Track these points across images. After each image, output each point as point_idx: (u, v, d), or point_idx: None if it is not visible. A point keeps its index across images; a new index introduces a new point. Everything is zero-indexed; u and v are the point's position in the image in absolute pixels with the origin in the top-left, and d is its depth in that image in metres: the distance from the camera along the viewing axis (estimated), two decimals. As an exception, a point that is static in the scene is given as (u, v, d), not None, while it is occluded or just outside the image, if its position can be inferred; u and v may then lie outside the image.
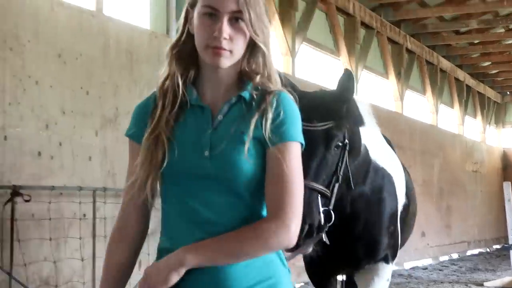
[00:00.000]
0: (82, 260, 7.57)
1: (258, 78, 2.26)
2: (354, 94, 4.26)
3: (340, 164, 3.95)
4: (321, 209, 3.73)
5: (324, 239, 3.84)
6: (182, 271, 2.11)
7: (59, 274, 7.28)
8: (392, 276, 13.14)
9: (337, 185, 3.93)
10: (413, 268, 15.21)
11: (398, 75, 16.32)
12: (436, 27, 16.93)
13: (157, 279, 2.11)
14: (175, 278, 2.11)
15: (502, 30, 17.75)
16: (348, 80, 4.09)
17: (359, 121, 4.34)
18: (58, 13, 7.35)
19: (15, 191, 6.20)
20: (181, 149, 2.19)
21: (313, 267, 4.73)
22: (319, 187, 3.76)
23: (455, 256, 18.88)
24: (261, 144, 2.18)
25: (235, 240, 2.14)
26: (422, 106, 18.49)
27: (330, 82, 13.18)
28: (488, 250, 21.52)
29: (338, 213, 3.99)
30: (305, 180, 2.74)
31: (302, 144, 2.26)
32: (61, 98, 7.27)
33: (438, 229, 18.10)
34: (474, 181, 21.63)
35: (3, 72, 6.51)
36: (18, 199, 6.28)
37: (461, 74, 20.63)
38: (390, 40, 16.03)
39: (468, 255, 19.56)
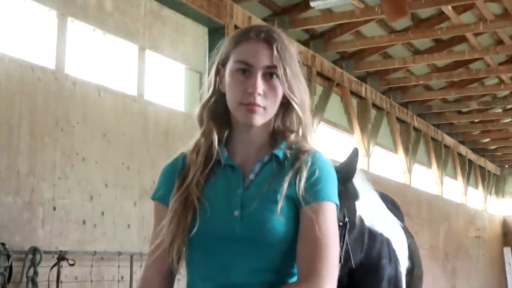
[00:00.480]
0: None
1: (292, 136, 1.98)
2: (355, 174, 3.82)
3: (342, 244, 3.33)
4: None
5: None
6: None
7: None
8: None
9: (339, 266, 3.11)
10: (421, 327, 14.82)
11: (406, 150, 16.29)
12: (440, 108, 16.96)
13: None
14: None
15: (500, 110, 17.74)
16: (353, 161, 3.72)
17: (355, 196, 3.82)
18: (104, 99, 7.53)
19: (61, 256, 6.26)
20: (211, 211, 1.88)
21: None
22: None
23: (460, 315, 18.42)
24: (294, 204, 1.87)
25: None
26: (428, 178, 18.37)
27: (344, 157, 13.21)
28: (490, 310, 21.00)
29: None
30: None
31: (337, 206, 1.93)
32: (105, 172, 7.39)
33: (445, 290, 17.77)
34: (477, 246, 21.29)
35: (54, 150, 6.68)
36: (64, 263, 6.32)
37: (463, 150, 20.55)
38: (399, 119, 16.05)
39: (473, 315, 19.06)
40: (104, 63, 8.04)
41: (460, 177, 20.64)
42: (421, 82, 14.85)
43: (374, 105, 14.52)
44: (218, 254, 1.87)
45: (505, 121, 18.67)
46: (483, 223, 22.28)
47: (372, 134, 14.50)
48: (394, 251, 4.01)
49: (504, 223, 24.83)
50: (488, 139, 20.80)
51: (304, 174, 1.87)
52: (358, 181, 3.89)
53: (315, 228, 1.83)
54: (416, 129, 16.90)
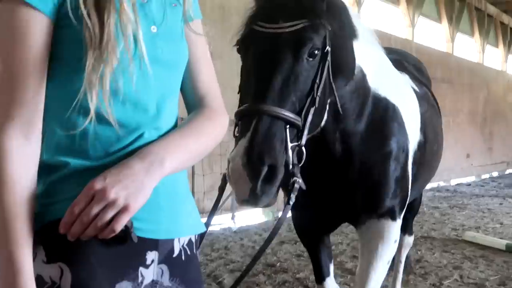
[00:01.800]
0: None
1: None
2: None
3: (318, 81, 2.24)
4: (290, 144, 2.12)
5: (300, 185, 2.15)
6: (159, 180, 1.33)
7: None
8: (439, 190, 13.17)
9: (312, 110, 2.22)
10: (458, 184, 14.99)
11: (450, 20, 15.83)
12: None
13: (134, 189, 1.26)
14: (151, 190, 1.30)
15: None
16: None
17: (350, 31, 2.61)
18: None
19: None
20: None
21: (301, 223, 3.16)
22: (286, 113, 2.11)
23: (495, 174, 18.45)
24: None
25: (199, 135, 1.45)
26: (470, 47, 17.88)
27: (392, 29, 12.91)
28: (525, 169, 20.94)
29: (324, 152, 2.65)
30: (264, 104, 2.07)
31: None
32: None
33: (481, 151, 17.73)
34: (515, 111, 20.96)
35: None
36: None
37: (506, 18, 19.85)
38: (444, -10, 15.46)
39: (507, 174, 19.05)
40: None
41: (501, 46, 20.08)
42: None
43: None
44: (138, 80, 1.36)
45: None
46: (521, 89, 21.80)
47: (417, 4, 14.03)
48: (402, 121, 2.93)
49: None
50: (531, 8, 19.90)
51: None
52: (360, 25, 2.75)
53: (206, 48, 1.58)
54: (460, 0, 16.30)
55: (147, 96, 1.38)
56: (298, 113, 2.18)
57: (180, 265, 1.48)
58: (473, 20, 17.54)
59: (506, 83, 20.25)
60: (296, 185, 2.10)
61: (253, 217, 8.38)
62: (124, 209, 1.23)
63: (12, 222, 1.24)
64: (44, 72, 1.31)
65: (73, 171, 1.33)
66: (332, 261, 3.27)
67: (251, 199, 2.02)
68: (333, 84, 2.35)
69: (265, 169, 1.99)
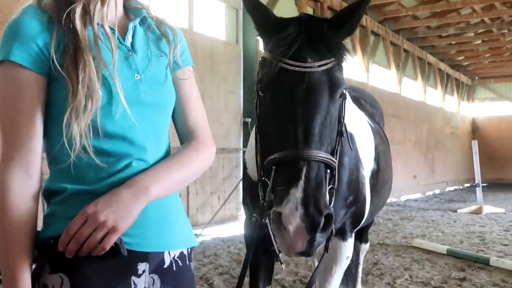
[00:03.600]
0: (180, 195, 7.70)
1: (148, 10, 1.52)
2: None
3: (342, 119, 1.87)
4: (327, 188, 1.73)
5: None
6: (144, 205, 1.29)
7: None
8: (392, 205, 13.16)
9: (339, 149, 1.84)
10: (407, 200, 14.99)
11: (397, 67, 16.09)
12: (424, 33, 16.55)
13: (122, 213, 1.23)
14: (137, 213, 1.28)
15: (472, 34, 17.12)
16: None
17: None
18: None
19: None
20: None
21: (255, 245, 2.32)
22: (328, 157, 1.71)
23: (437, 191, 18.51)
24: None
25: (182, 165, 1.40)
26: (415, 89, 18.08)
27: (351, 74, 13.02)
28: (461, 187, 21.03)
29: None
30: (310, 150, 1.64)
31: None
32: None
33: (425, 173, 17.84)
34: (452, 140, 21.16)
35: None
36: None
37: (442, 66, 20.17)
38: (392, 43, 15.72)
39: (447, 191, 19.14)
40: (158, 2, 7.87)
41: (439, 87, 20.33)
42: (410, 13, 14.44)
43: (372, 32, 14.26)
44: (124, 119, 1.33)
45: (476, 42, 18.07)
46: (456, 123, 22.04)
47: (370, 55, 14.23)
48: (357, 152, 2.58)
49: (473, 122, 24.56)
50: (462, 57, 20.26)
51: (176, 41, 1.50)
52: None
53: (194, 91, 1.54)
54: (405, 51, 16.64)
55: (133, 132, 1.36)
56: (332, 154, 1.78)
57: (171, 275, 1.43)
58: (416, 67, 17.81)
59: (444, 117, 20.49)
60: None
61: (238, 228, 8.30)
62: (112, 230, 1.22)
63: (13, 244, 1.25)
64: (38, 119, 1.31)
65: (71, 194, 1.32)
66: (270, 282, 2.71)
67: (308, 250, 1.60)
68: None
69: (323, 220, 1.59)
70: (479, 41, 17.93)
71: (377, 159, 3.00)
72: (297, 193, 1.56)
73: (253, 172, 2.37)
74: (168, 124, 1.49)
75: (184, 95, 1.51)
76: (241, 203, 2.77)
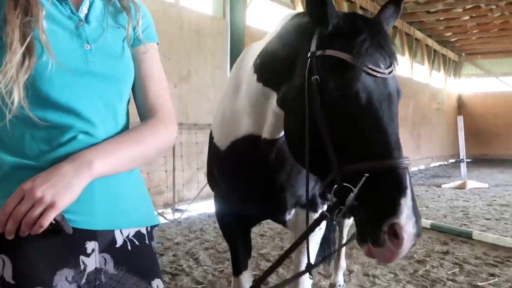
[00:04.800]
0: (166, 171, 7.67)
1: None
2: None
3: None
4: None
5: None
6: (88, 180, 1.22)
7: (150, 181, 7.41)
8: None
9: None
10: (393, 176, 15.09)
11: (385, 42, 15.97)
12: (413, 9, 16.42)
13: (61, 188, 1.16)
14: (80, 189, 1.20)
15: (460, 10, 17.07)
16: None
17: None
18: (148, 5, 7.29)
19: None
20: (57, 45, 1.33)
21: (227, 218, 2.72)
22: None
23: (422, 167, 18.70)
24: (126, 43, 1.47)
25: (135, 143, 1.34)
26: (402, 65, 18.09)
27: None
28: (445, 163, 21.25)
29: (262, 157, 2.25)
30: (403, 159, 1.61)
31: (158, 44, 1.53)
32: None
33: (411, 149, 17.95)
34: (438, 116, 21.28)
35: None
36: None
37: (430, 41, 20.15)
38: (380, 18, 15.60)
39: (432, 167, 19.33)
40: (146, -25, 7.74)
41: (426, 63, 20.36)
42: (398, -12, 14.28)
43: (361, 7, 14.10)
44: (69, 89, 1.29)
45: (464, 18, 18.04)
46: (443, 98, 22.14)
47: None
48: None
49: (459, 98, 24.72)
50: (450, 33, 20.24)
51: (137, 16, 1.47)
52: None
53: (156, 67, 1.49)
54: (393, 26, 16.44)
55: (79, 103, 1.30)
56: None
57: (126, 255, 1.37)
58: (404, 43, 17.77)
59: (430, 93, 20.55)
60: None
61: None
62: (50, 206, 1.14)
63: None
64: None
65: (11, 169, 1.25)
66: (250, 254, 2.83)
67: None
68: None
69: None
70: (467, 17, 17.91)
71: None
72: (408, 202, 1.53)
73: (220, 143, 2.38)
74: (125, 100, 1.43)
75: (144, 71, 1.47)
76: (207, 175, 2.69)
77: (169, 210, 7.80)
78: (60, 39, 1.31)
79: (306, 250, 2.50)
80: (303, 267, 2.58)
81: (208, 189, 8.55)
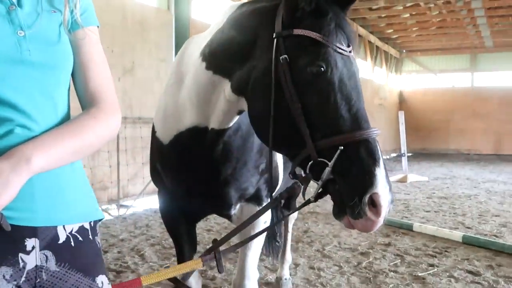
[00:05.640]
0: (110, 166, 7.52)
1: None
2: None
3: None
4: None
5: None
6: (27, 177, 1.16)
7: (94, 177, 7.25)
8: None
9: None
10: (337, 169, 15.35)
11: (329, 38, 16.18)
12: (355, 5, 16.70)
13: (0, 185, 1.10)
14: (18, 186, 1.14)
15: (401, 8, 17.55)
16: None
17: None
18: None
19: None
20: None
21: (172, 213, 2.67)
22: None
23: (365, 161, 19.08)
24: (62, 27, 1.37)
25: (76, 134, 1.27)
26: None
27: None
28: (387, 157, 21.85)
29: (206, 150, 2.22)
30: (372, 128, 1.69)
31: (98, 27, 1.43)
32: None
33: (355, 143, 18.31)
34: (380, 111, 21.78)
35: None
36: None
37: (372, 38, 20.57)
38: (324, 14, 15.81)
39: (374, 160, 19.78)
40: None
41: (369, 59, 20.78)
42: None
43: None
44: (2, 80, 1.22)
45: (404, 16, 18.57)
46: (384, 94, 22.70)
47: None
48: None
49: (400, 94, 25.43)
50: (391, 30, 20.76)
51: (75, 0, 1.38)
52: None
53: (96, 51, 1.41)
54: (337, 22, 16.76)
55: (14, 94, 1.22)
56: None
57: (68, 251, 1.32)
58: (348, 39, 18.08)
59: (373, 89, 21.00)
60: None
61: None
62: None
63: None
64: None
65: None
66: (196, 250, 2.77)
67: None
68: None
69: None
70: (407, 15, 18.45)
71: None
72: (382, 171, 1.59)
73: (163, 136, 2.36)
74: (64, 89, 1.35)
75: (84, 57, 1.38)
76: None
77: (113, 206, 7.66)
78: None
79: (252, 244, 2.53)
80: (249, 261, 2.58)
81: (153, 184, 8.46)
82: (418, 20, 18.82)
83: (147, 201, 7.99)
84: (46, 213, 1.27)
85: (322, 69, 1.69)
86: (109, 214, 7.14)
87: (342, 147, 1.62)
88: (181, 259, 2.71)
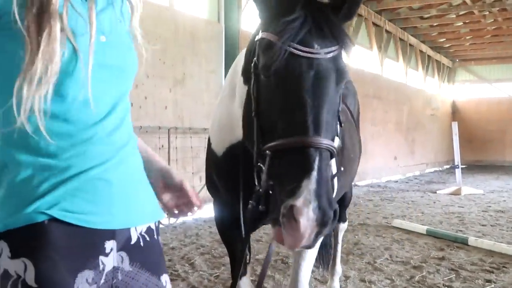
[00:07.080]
0: (162, 176, 7.68)
1: None
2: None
3: (340, 108, 1.77)
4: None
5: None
6: None
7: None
8: (372, 186, 13.31)
9: (336, 138, 1.75)
10: (388, 181, 15.15)
11: (379, 48, 16.07)
12: (406, 14, 16.52)
13: None
14: None
15: (454, 16, 17.18)
16: None
17: None
18: (143, 8, 7.30)
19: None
20: (78, 37, 1.23)
21: (224, 222, 2.68)
22: (334, 146, 1.61)
23: (417, 173, 18.73)
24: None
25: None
26: (396, 70, 18.15)
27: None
28: (440, 169, 21.32)
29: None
30: (320, 137, 1.55)
31: None
32: (146, 66, 7.29)
33: (406, 154, 18.01)
34: (432, 122, 21.34)
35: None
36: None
37: (424, 47, 20.24)
38: (374, 24, 15.70)
39: (426, 172, 19.38)
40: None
41: (420, 69, 20.45)
42: (392, -7, 14.37)
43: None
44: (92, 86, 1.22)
45: (457, 24, 18.16)
46: (437, 104, 22.21)
47: (353, 35, 14.18)
48: None
49: (453, 104, 24.81)
50: (443, 39, 20.35)
51: (136, 9, 1.38)
52: None
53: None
54: (387, 32, 16.60)
55: (97, 97, 1.24)
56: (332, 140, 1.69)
57: (139, 251, 1.37)
58: (398, 48, 17.85)
59: (424, 99, 20.62)
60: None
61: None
62: None
63: None
64: None
65: (33, 171, 1.19)
66: (250, 260, 2.72)
67: (313, 243, 1.51)
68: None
69: (332, 214, 1.49)
70: (460, 23, 18.04)
71: (342, 137, 2.85)
72: (310, 184, 1.45)
73: (217, 148, 2.37)
74: (127, 92, 1.38)
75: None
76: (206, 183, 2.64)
77: (164, 215, 7.77)
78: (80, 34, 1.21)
79: (306, 254, 2.48)
80: (303, 271, 2.55)
81: (203, 193, 8.53)
82: (472, 28, 18.36)
83: (197, 211, 8.06)
84: (124, 215, 1.32)
85: (269, 71, 1.65)
86: (160, 223, 7.25)
87: (270, 153, 1.57)
88: (235, 269, 2.67)
